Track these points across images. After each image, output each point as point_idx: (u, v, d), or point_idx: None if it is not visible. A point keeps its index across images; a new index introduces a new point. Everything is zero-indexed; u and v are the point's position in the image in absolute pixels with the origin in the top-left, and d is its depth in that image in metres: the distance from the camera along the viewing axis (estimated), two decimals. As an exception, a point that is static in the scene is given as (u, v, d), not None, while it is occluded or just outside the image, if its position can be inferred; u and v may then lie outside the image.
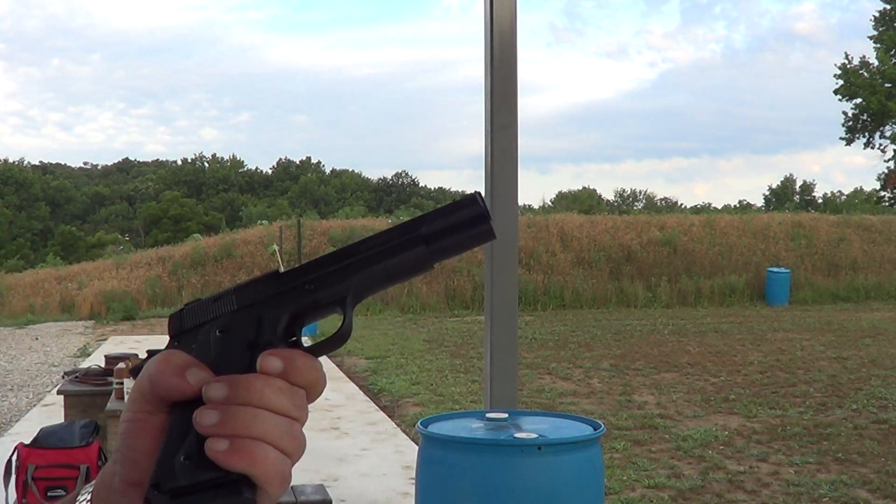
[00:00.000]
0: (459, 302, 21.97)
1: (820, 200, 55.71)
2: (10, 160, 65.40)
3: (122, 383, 5.11)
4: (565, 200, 52.96)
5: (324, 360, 13.37)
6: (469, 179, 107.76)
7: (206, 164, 70.82)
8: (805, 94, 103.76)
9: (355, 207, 45.18)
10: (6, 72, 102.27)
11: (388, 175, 72.13)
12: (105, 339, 16.57)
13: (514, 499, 2.78)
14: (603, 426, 3.03)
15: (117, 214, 64.52)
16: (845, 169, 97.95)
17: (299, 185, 65.76)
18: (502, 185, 3.73)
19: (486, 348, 3.83)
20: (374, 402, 10.02)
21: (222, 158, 72.05)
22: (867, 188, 49.00)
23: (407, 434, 8.20)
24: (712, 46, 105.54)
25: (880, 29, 36.96)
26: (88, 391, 5.83)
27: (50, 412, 8.72)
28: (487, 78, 3.76)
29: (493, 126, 3.72)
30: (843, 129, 38.50)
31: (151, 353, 0.97)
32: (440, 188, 74.81)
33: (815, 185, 69.41)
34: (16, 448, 4.97)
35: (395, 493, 6.36)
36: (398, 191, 68.06)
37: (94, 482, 0.65)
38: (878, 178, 40.27)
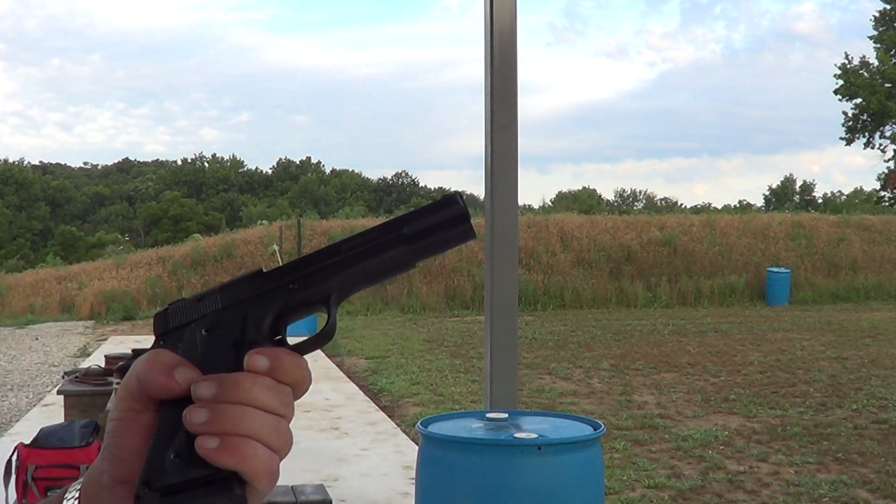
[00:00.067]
0: (459, 302, 21.97)
1: (820, 200, 55.75)
2: (10, 160, 65.49)
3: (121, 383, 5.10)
4: (565, 200, 52.97)
5: (324, 360, 13.41)
6: (469, 179, 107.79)
7: (206, 164, 70.83)
8: (805, 94, 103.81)
9: (355, 207, 45.20)
10: (6, 72, 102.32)
11: (388, 175, 72.20)
12: (105, 339, 16.57)
13: (514, 499, 2.78)
14: (603, 426, 3.03)
15: (117, 214, 64.53)
16: (845, 169, 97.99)
17: (299, 185, 65.77)
18: (502, 185, 3.73)
19: (486, 348, 3.83)
20: (374, 402, 10.01)
21: (222, 158, 72.10)
22: (867, 188, 49.05)
23: (407, 434, 8.20)
24: (712, 46, 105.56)
25: (880, 29, 36.97)
26: (88, 391, 5.83)
27: (50, 412, 8.72)
28: (487, 78, 3.76)
29: (493, 126, 3.72)
30: (843, 129, 38.54)
31: (138, 353, 0.97)
32: (440, 188, 74.79)
33: (815, 185, 69.49)
34: (16, 448, 4.97)
35: (395, 493, 6.36)
36: (398, 191, 68.06)
37: (81, 480, 0.66)
38: (878, 178, 40.33)
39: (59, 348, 15.70)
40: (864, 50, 50.76)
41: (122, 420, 0.63)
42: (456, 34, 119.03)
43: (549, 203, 46.88)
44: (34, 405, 10.05)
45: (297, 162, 73.27)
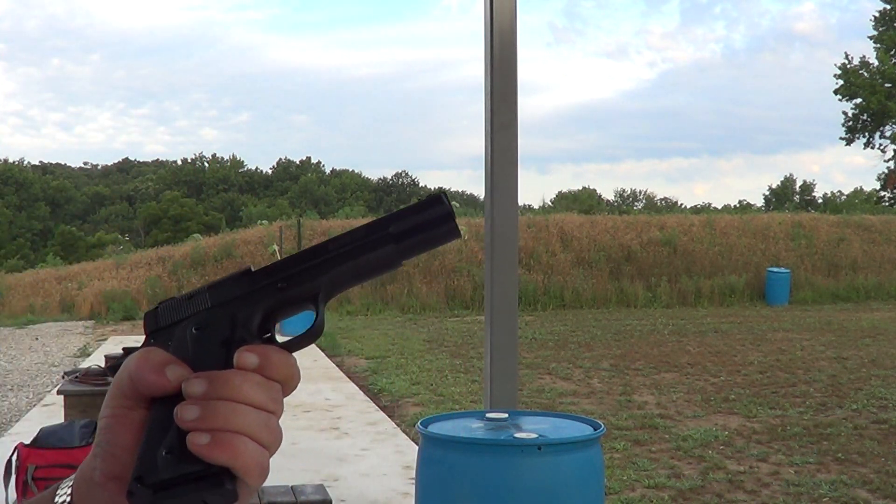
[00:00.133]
0: (459, 302, 21.96)
1: (820, 200, 55.74)
2: (10, 160, 65.49)
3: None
4: (565, 200, 52.97)
5: (324, 360, 13.41)
6: (469, 179, 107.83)
7: (206, 164, 70.82)
8: (805, 94, 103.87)
9: (355, 207, 45.18)
10: (6, 72, 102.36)
11: (388, 175, 72.18)
12: (105, 339, 16.57)
13: (514, 499, 2.78)
14: (603, 426, 3.03)
15: (117, 214, 64.52)
16: (845, 169, 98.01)
17: (299, 185, 65.76)
18: (502, 185, 3.73)
19: (486, 348, 3.83)
20: (374, 402, 10.01)
21: (222, 158, 72.10)
22: (867, 188, 49.05)
23: (407, 434, 8.20)
24: (712, 46, 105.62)
25: (880, 29, 36.96)
26: (88, 391, 5.83)
27: (50, 412, 8.71)
28: (487, 78, 3.76)
29: (493, 126, 3.72)
30: (843, 129, 38.54)
31: (129, 351, 0.98)
32: (440, 188, 74.63)
33: (815, 185, 69.50)
34: (16, 448, 4.96)
35: (395, 493, 6.36)
36: (398, 191, 68.04)
37: (72, 476, 0.66)
38: (878, 178, 40.32)
39: (59, 348, 15.70)
40: (864, 50, 50.81)
41: (114, 417, 0.63)
42: (456, 34, 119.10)
43: (549, 203, 46.90)
44: (34, 405, 10.05)
45: (297, 162, 73.29)
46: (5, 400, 10.62)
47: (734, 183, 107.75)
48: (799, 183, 63.36)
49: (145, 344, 0.66)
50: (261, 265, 0.69)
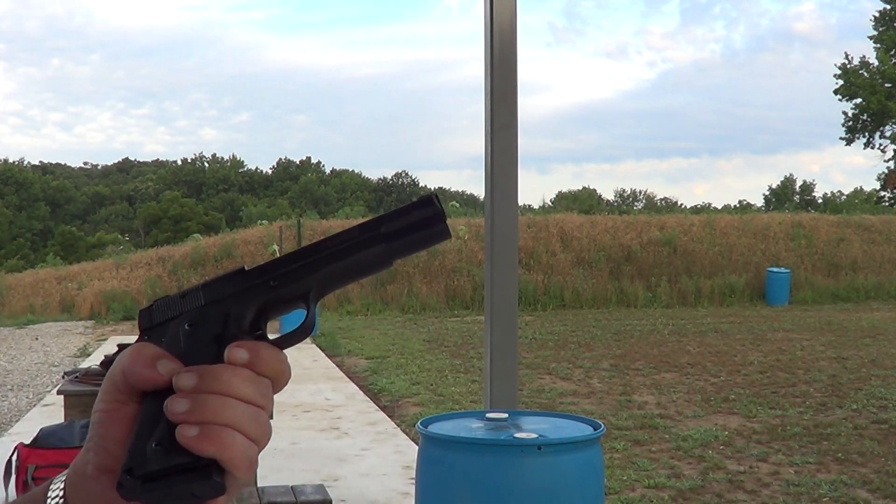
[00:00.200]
0: (459, 302, 21.96)
1: (820, 200, 55.71)
2: (10, 160, 65.49)
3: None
4: (565, 200, 52.95)
5: (324, 360, 13.41)
6: (469, 179, 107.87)
7: (206, 164, 70.81)
8: (805, 94, 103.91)
9: (355, 207, 45.15)
10: (6, 72, 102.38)
11: (388, 175, 72.18)
12: (105, 339, 16.57)
13: (514, 499, 2.78)
14: (603, 426, 3.03)
15: (117, 214, 64.52)
16: (845, 169, 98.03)
17: (299, 185, 65.74)
18: (502, 185, 3.73)
19: (486, 348, 3.83)
20: (374, 402, 10.01)
21: (222, 158, 72.10)
22: (867, 188, 49.04)
23: (407, 434, 8.20)
24: (712, 46, 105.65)
25: (880, 29, 36.95)
26: (88, 391, 5.82)
27: (50, 412, 8.71)
28: (487, 78, 3.76)
29: (493, 126, 3.72)
30: (843, 129, 38.53)
31: (122, 347, 0.98)
32: (440, 188, 74.79)
33: (815, 185, 69.48)
34: (16, 448, 4.96)
35: (395, 493, 6.36)
36: (398, 191, 68.02)
37: (65, 471, 0.67)
38: (878, 178, 40.30)
39: (59, 348, 15.71)
40: (864, 50, 50.78)
41: (107, 411, 0.64)
42: (456, 34, 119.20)
43: (549, 203, 46.80)
44: (34, 405, 10.05)
45: (297, 162, 73.28)
46: (5, 400, 10.62)
47: (734, 183, 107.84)
48: (799, 183, 63.41)
49: (139, 340, 0.67)
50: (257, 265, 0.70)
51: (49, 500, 0.66)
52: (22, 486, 4.81)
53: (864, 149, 39.01)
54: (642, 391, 10.29)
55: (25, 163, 67.72)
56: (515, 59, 3.75)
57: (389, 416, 9.20)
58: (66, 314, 21.67)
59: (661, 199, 67.90)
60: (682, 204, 63.40)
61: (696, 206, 50.29)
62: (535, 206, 35.45)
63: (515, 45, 3.75)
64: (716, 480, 6.57)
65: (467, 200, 57.31)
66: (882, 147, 38.80)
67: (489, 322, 3.79)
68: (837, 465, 6.96)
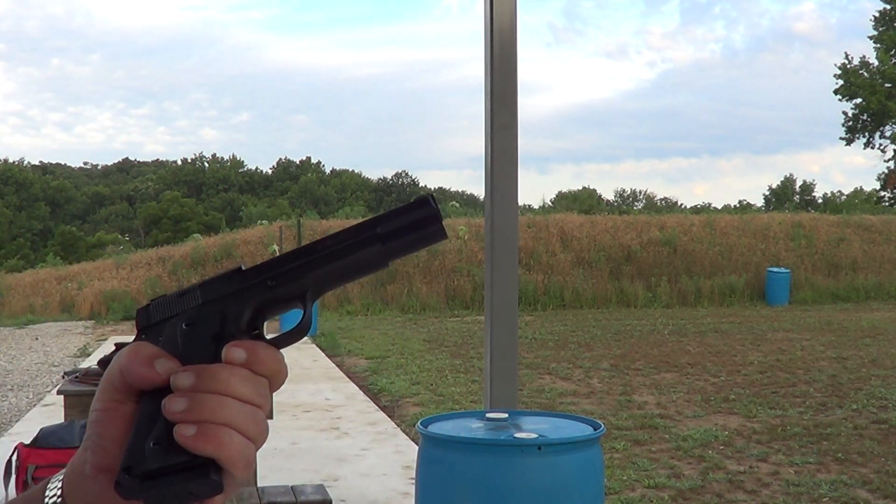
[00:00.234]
0: (459, 302, 21.96)
1: (820, 200, 55.69)
2: (10, 160, 65.49)
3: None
4: (565, 200, 52.95)
5: (324, 360, 13.40)
6: (469, 179, 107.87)
7: (206, 164, 70.81)
8: (805, 94, 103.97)
9: (355, 207, 45.15)
10: (6, 72, 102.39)
11: (388, 175, 72.18)
12: (105, 339, 16.57)
13: (514, 499, 2.78)
14: (603, 426, 3.02)
15: (117, 214, 64.52)
16: (845, 169, 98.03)
17: (299, 185, 65.74)
18: (502, 185, 3.73)
19: (486, 348, 3.83)
20: (374, 402, 10.01)
21: (222, 158, 72.10)
22: (867, 188, 49.01)
23: (407, 434, 8.19)
24: (712, 46, 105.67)
25: (880, 29, 36.95)
26: (88, 391, 5.82)
27: (50, 412, 8.71)
28: (487, 78, 3.76)
29: (493, 126, 3.72)
30: (843, 129, 38.54)
31: (120, 346, 0.98)
32: (440, 188, 74.85)
33: (815, 185, 69.43)
34: (16, 448, 4.96)
35: (395, 493, 6.36)
36: (398, 191, 68.03)
37: (62, 471, 0.67)
38: (878, 178, 40.31)
39: (59, 348, 15.71)
40: (864, 50, 50.79)
41: (105, 410, 0.64)
42: (456, 34, 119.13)
43: (549, 203, 46.79)
44: (34, 405, 10.05)
45: (297, 162, 73.28)
46: (5, 400, 10.62)
47: (734, 183, 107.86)
48: (799, 183, 63.40)
49: (136, 340, 0.67)
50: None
51: (47, 500, 0.66)
52: (22, 486, 4.81)
53: (864, 149, 39.06)
54: (642, 391, 10.29)
55: (25, 163, 67.79)
56: (515, 59, 3.75)
57: (389, 416, 9.20)
58: (66, 314, 21.67)
59: (661, 199, 67.96)
60: (682, 204, 63.48)
61: (696, 206, 50.31)
62: (535, 206, 35.47)
63: (515, 45, 3.75)
64: (716, 480, 6.57)
65: (467, 200, 57.31)
66: (882, 147, 38.83)
67: (489, 322, 3.79)
68: (837, 465, 6.96)
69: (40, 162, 73.01)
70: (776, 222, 27.01)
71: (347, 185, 67.89)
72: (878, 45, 36.58)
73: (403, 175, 70.91)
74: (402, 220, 0.67)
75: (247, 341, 0.64)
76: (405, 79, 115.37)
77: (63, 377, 6.64)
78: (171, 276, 23.24)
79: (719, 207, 44.36)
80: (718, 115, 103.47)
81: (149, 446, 0.61)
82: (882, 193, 40.34)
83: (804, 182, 68.85)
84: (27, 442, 5.00)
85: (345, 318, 20.09)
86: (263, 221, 31.94)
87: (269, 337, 0.67)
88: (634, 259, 24.03)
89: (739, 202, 56.30)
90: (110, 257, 27.84)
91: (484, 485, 2.80)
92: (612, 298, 22.48)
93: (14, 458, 4.92)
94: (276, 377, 0.65)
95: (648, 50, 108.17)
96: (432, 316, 20.61)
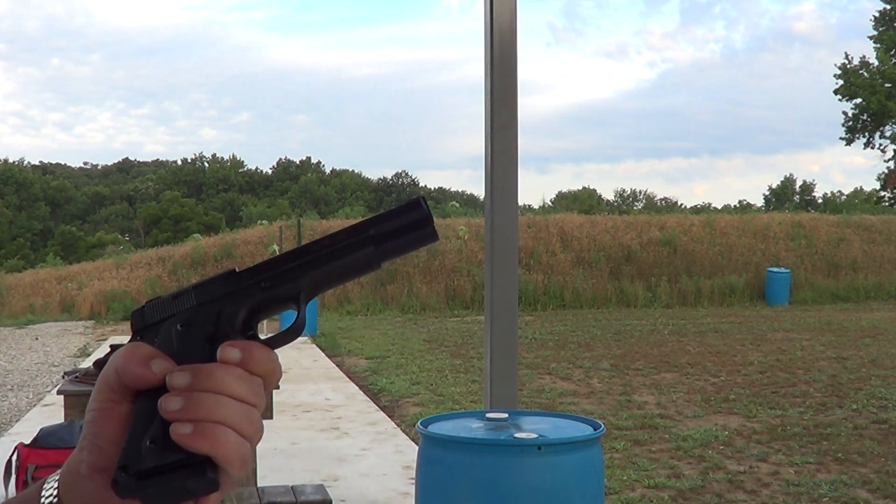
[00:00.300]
0: (459, 302, 21.96)
1: (820, 200, 55.72)
2: (10, 160, 65.49)
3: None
4: (565, 200, 52.95)
5: (324, 360, 13.41)
6: (469, 179, 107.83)
7: (206, 164, 70.81)
8: (805, 94, 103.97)
9: (355, 207, 45.16)
10: (6, 72, 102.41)
11: (388, 175, 72.16)
12: (105, 340, 16.56)
13: (514, 499, 2.78)
14: (603, 426, 3.02)
15: (117, 214, 64.52)
16: (845, 169, 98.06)
17: (299, 185, 65.74)
18: (502, 185, 3.73)
19: (486, 348, 3.83)
20: (374, 402, 10.01)
21: (222, 158, 72.11)
22: (867, 188, 49.04)
23: (407, 434, 8.20)
24: (711, 46, 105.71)
25: (880, 29, 36.95)
26: (88, 391, 5.81)
27: (50, 412, 8.72)
28: (487, 78, 3.76)
29: (493, 126, 3.72)
30: (843, 129, 38.51)
31: (115, 347, 0.98)
32: (440, 188, 74.87)
33: (815, 185, 69.47)
34: (16, 448, 4.96)
35: (395, 493, 6.36)
36: (398, 191, 68.01)
37: (59, 471, 0.67)
38: (878, 178, 40.29)
39: (59, 348, 15.71)
40: (864, 50, 50.76)
41: (101, 410, 0.65)
42: (456, 34, 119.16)
43: (549, 203, 46.78)
44: (34, 405, 10.05)
45: (297, 162, 73.28)
46: (5, 400, 10.62)
47: (734, 183, 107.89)
48: (799, 183, 63.43)
49: (132, 341, 0.68)
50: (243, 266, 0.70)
51: (43, 499, 0.66)
52: (22, 486, 4.81)
53: (864, 149, 39.03)
54: (642, 391, 10.29)
55: (25, 163, 67.80)
56: (515, 59, 3.75)
57: (389, 416, 9.20)
58: (66, 314, 21.68)
59: (661, 199, 67.95)
60: (682, 204, 63.45)
61: (696, 206, 50.31)
62: (535, 206, 35.48)
63: (515, 45, 3.74)
64: (716, 480, 6.57)
65: (467, 200, 57.33)
66: (882, 147, 38.81)
67: (489, 322, 3.78)
68: (837, 465, 6.96)
69: (40, 162, 73.11)
70: (776, 222, 27.01)
71: (347, 185, 67.89)
72: (878, 45, 36.57)
73: (403, 175, 70.94)
74: (395, 222, 0.68)
75: (241, 341, 0.65)
76: (405, 79, 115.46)
77: (63, 377, 6.64)
78: (171, 277, 23.24)
79: (719, 207, 44.41)
80: (718, 115, 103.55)
81: (145, 445, 0.61)
82: (882, 193, 40.33)
83: (804, 182, 68.93)
84: (27, 442, 5.00)
85: (345, 318, 20.09)
86: (263, 221, 31.94)
87: (263, 337, 0.68)
88: (634, 259, 24.03)
89: (739, 202, 56.34)
90: (110, 257, 27.84)
91: (484, 485, 2.80)
92: (612, 298, 22.48)
93: (14, 457, 4.93)
94: (270, 376, 0.65)
95: (648, 50, 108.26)
96: (432, 316, 20.61)
